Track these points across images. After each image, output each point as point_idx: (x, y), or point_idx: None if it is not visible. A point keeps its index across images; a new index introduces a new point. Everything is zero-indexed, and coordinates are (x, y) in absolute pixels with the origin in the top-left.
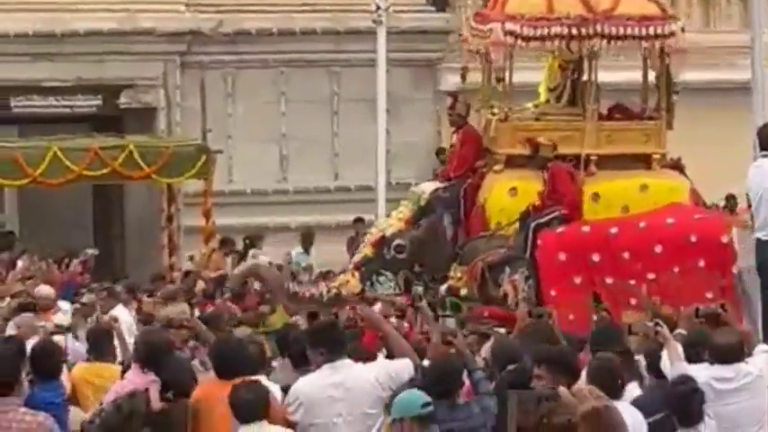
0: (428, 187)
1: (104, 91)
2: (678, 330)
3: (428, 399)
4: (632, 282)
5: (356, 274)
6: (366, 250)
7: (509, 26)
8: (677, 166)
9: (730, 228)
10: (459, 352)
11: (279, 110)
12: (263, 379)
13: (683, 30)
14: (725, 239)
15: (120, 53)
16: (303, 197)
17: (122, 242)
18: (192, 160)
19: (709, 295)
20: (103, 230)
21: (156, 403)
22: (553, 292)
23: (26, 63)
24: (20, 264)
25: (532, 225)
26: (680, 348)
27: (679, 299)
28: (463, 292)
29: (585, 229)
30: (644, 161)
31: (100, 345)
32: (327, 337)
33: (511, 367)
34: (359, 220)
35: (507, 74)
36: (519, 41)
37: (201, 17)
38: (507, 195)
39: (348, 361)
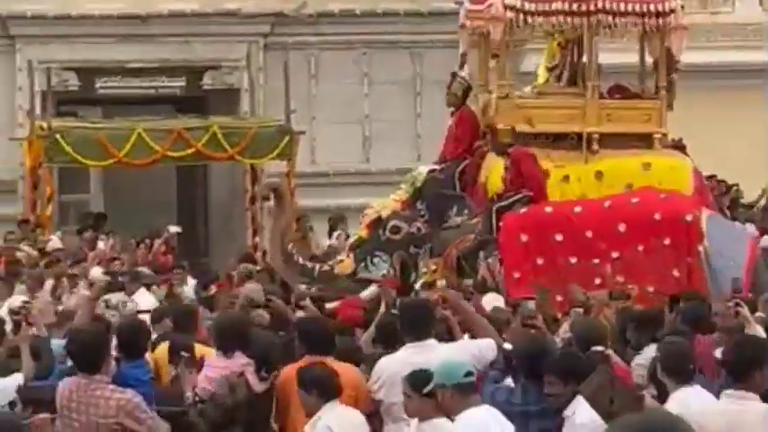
0: (424, 169)
1: (188, 72)
2: (758, 313)
3: (471, 369)
4: (596, 261)
5: (351, 254)
6: (361, 232)
7: (509, 0)
8: (678, 146)
9: (699, 207)
10: (541, 333)
11: (361, 91)
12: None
13: (682, 7)
14: (689, 218)
15: (205, 35)
16: (385, 178)
17: (206, 223)
18: (274, 141)
19: (676, 273)
20: (187, 211)
21: (258, 386)
22: (516, 275)
23: (111, 45)
24: (100, 244)
25: (495, 208)
26: (760, 330)
27: (644, 277)
28: (440, 283)
29: (548, 209)
30: (645, 140)
31: (184, 325)
32: (414, 317)
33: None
34: None
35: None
36: (519, 16)
37: None
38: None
39: (432, 341)
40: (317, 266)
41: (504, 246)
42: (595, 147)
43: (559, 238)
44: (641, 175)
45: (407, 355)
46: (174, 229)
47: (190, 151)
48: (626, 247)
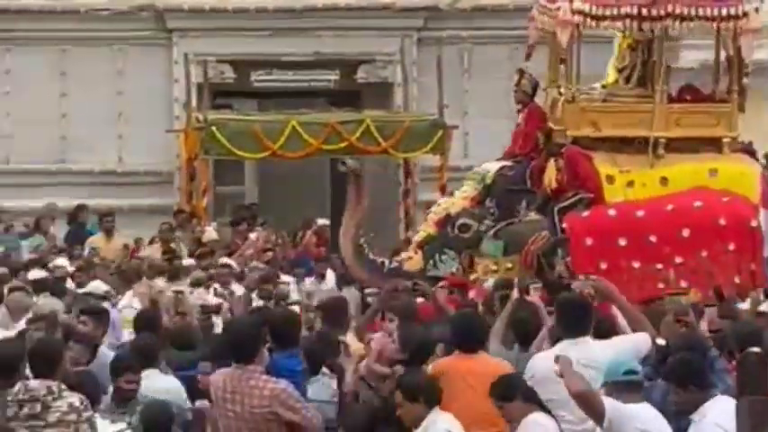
0: (493, 166)
1: (342, 66)
2: None
3: (636, 367)
4: (659, 266)
5: (419, 251)
6: (428, 229)
7: (577, 4)
8: (748, 150)
9: (758, 211)
10: (692, 330)
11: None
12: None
13: (756, 10)
14: (754, 223)
15: (359, 28)
16: None
17: None
18: (428, 135)
19: (738, 280)
20: (340, 204)
21: None
22: (582, 277)
23: (266, 38)
24: (252, 236)
25: (556, 209)
26: None
27: (707, 283)
28: (518, 281)
29: (612, 212)
30: (714, 144)
31: (335, 317)
32: (571, 314)
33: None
34: None
35: (575, 55)
36: (587, 20)
37: None
38: None
39: (587, 338)
40: (387, 262)
41: (571, 248)
42: (661, 151)
43: (623, 242)
44: (708, 181)
45: (560, 351)
46: (321, 221)
47: (343, 144)
48: (690, 252)
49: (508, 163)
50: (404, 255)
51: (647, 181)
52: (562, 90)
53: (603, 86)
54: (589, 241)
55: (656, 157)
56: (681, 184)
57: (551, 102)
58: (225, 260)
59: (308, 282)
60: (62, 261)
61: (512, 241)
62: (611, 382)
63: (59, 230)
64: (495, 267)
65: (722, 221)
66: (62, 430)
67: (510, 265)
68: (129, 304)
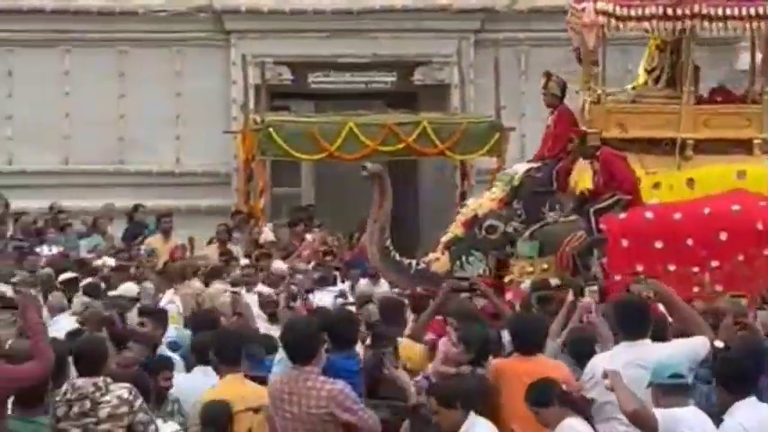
0: (521, 168)
1: (399, 67)
2: None
3: (683, 371)
4: (695, 269)
5: (446, 252)
6: (456, 230)
7: (601, 5)
8: None
9: None
10: (754, 332)
11: (571, 88)
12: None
13: None
14: None
15: (416, 30)
16: None
17: (415, 218)
18: (485, 137)
19: None
20: (397, 206)
21: None
22: (618, 278)
23: (324, 39)
24: (308, 237)
25: (592, 210)
26: None
27: (742, 287)
28: (554, 281)
29: (649, 215)
30: (744, 146)
31: (393, 316)
32: (630, 316)
33: None
34: None
35: (600, 56)
36: (612, 21)
37: None
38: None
39: (646, 341)
40: (414, 263)
41: (607, 249)
42: (689, 153)
43: (659, 245)
44: (735, 183)
45: (618, 353)
46: None
47: (400, 146)
48: (726, 256)
49: (536, 165)
50: (431, 256)
51: (674, 183)
52: (597, 94)
53: (633, 88)
54: (625, 243)
55: (683, 159)
56: (708, 187)
57: (582, 104)
58: (245, 261)
59: (363, 283)
60: (109, 261)
61: (547, 242)
62: (656, 383)
63: (117, 231)
64: (530, 269)
65: (759, 226)
66: (115, 424)
67: (546, 266)
68: (169, 302)
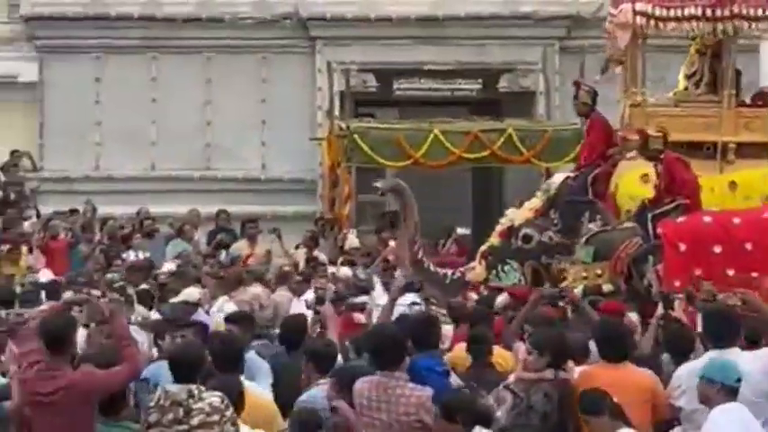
0: (560, 177)
1: (484, 75)
2: None
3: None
4: (755, 274)
5: (483, 262)
6: (493, 239)
7: (640, 6)
8: None
9: None
10: None
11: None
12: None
13: None
14: None
15: (501, 37)
16: None
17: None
18: (570, 144)
19: None
20: (482, 213)
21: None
22: (676, 283)
23: (408, 47)
24: (392, 243)
25: (650, 216)
26: None
27: None
28: (606, 288)
29: (707, 219)
30: None
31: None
32: (719, 325)
33: None
34: None
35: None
36: (650, 22)
37: (581, 1)
38: (639, 182)
39: (736, 349)
40: (449, 274)
41: (665, 254)
42: (731, 156)
43: (718, 249)
44: None
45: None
46: (461, 230)
47: (485, 153)
48: None
49: (572, 174)
50: (470, 265)
51: (716, 186)
52: (637, 98)
53: (674, 94)
54: (683, 247)
55: (725, 162)
56: (750, 190)
57: (622, 108)
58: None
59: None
60: (169, 266)
61: (602, 247)
62: (720, 383)
63: (202, 236)
64: (585, 274)
65: None
66: None
67: (599, 272)
68: (220, 309)
